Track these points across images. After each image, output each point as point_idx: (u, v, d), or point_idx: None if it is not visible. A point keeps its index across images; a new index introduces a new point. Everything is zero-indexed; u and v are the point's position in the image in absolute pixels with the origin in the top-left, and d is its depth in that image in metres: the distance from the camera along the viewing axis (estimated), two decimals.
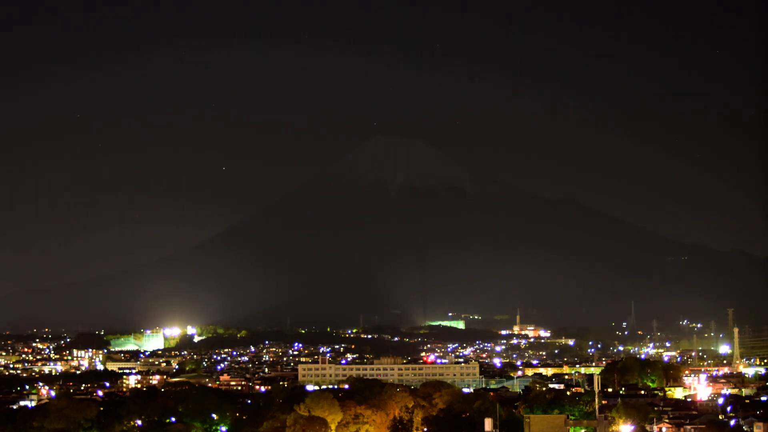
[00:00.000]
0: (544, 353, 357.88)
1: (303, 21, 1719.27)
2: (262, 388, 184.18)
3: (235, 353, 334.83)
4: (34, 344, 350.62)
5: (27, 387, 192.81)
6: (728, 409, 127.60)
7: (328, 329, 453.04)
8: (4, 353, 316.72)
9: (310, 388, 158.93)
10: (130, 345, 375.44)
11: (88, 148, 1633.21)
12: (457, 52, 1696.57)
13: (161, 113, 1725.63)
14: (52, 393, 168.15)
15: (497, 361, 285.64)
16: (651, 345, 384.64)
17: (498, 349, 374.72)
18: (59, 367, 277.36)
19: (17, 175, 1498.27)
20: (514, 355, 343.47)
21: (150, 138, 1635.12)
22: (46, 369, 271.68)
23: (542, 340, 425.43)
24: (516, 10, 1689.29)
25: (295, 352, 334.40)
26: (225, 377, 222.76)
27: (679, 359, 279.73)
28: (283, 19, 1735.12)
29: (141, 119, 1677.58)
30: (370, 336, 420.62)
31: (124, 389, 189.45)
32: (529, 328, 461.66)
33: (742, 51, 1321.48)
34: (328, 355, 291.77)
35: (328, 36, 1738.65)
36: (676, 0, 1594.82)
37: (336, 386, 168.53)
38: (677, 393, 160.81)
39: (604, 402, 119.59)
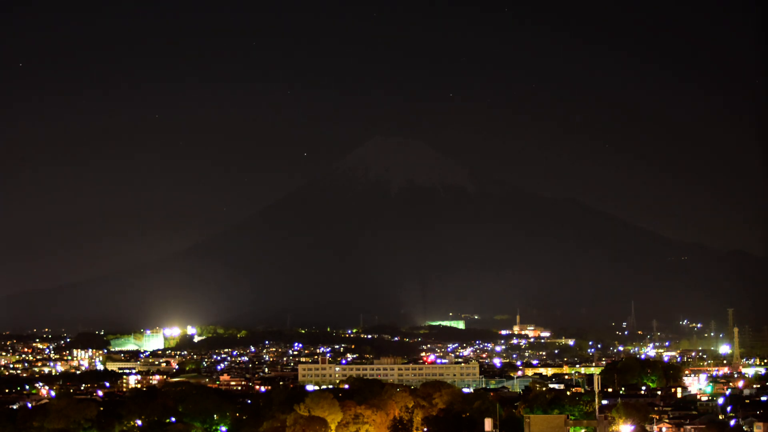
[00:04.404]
0: (544, 353, 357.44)
1: (304, 22, 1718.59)
2: (262, 388, 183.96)
3: (235, 353, 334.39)
4: (34, 344, 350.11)
5: (27, 387, 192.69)
6: (728, 409, 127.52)
7: (328, 329, 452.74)
8: (4, 353, 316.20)
9: (310, 388, 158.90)
10: (130, 345, 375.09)
11: (89, 150, 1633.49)
12: (457, 52, 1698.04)
13: (165, 107, 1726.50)
14: (52, 393, 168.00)
15: (497, 361, 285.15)
16: (651, 345, 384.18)
17: (498, 349, 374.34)
18: (59, 367, 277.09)
19: (17, 176, 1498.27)
20: (514, 355, 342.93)
21: (151, 136, 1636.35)
22: (46, 369, 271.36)
23: (542, 340, 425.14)
24: (516, 9, 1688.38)
25: (295, 352, 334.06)
26: (225, 377, 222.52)
27: (679, 359, 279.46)
28: (284, 21, 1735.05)
29: (143, 117, 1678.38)
30: (370, 336, 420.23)
31: (124, 389, 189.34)
32: (529, 328, 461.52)
33: (742, 50, 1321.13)
34: (328, 355, 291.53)
35: (329, 37, 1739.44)
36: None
37: (336, 386, 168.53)
38: (677, 393, 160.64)
39: (604, 402, 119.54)
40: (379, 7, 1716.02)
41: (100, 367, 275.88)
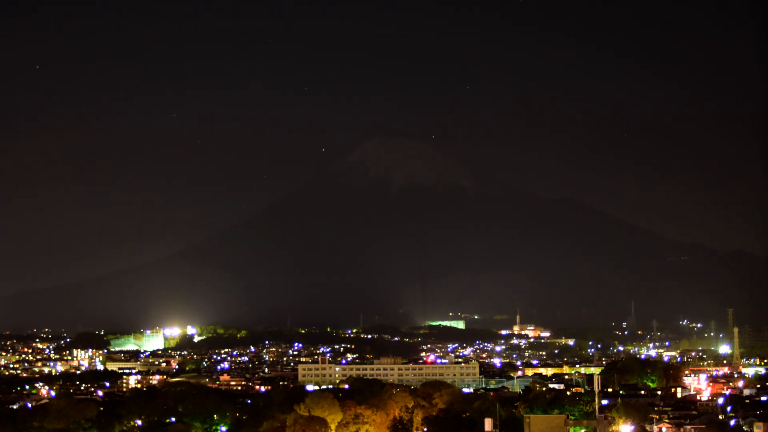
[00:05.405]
0: (544, 353, 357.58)
1: (304, 22, 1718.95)
2: (262, 388, 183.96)
3: (235, 353, 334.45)
4: (34, 344, 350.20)
5: (27, 387, 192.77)
6: (728, 409, 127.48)
7: (328, 329, 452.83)
8: (4, 353, 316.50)
9: (310, 388, 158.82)
10: (130, 345, 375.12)
11: (88, 151, 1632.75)
12: (457, 51, 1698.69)
13: (168, 105, 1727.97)
14: (52, 393, 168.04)
15: (497, 361, 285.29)
16: (651, 345, 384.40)
17: (498, 349, 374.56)
18: (59, 367, 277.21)
19: (18, 176, 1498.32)
20: (514, 355, 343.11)
21: (151, 138, 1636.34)
22: (46, 369, 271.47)
23: (542, 340, 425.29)
24: (517, 10, 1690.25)
25: (295, 352, 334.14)
26: (225, 377, 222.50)
27: (679, 359, 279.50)
28: (283, 22, 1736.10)
29: (143, 119, 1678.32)
30: (370, 336, 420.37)
31: (124, 389, 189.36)
32: (529, 328, 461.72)
33: (741, 51, 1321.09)
34: (328, 355, 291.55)
35: (328, 38, 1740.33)
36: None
37: (336, 386, 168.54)
38: (677, 393, 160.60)
39: (604, 402, 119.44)
40: (380, 8, 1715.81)
41: (100, 367, 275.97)
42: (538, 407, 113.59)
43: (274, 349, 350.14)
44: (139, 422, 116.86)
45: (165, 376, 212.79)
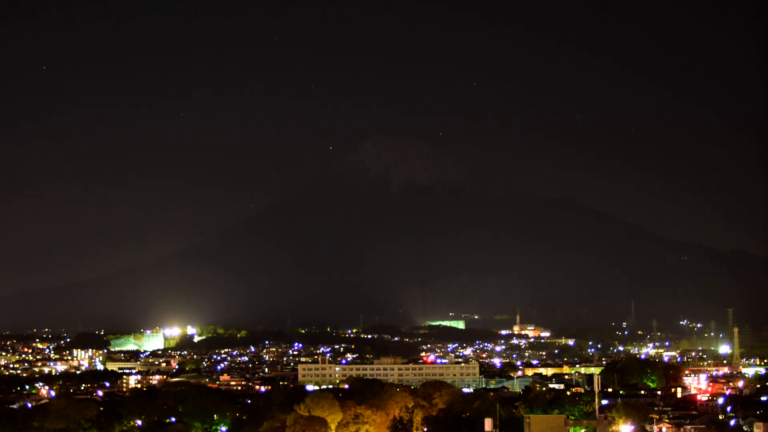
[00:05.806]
0: (544, 353, 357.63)
1: (305, 21, 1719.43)
2: (262, 388, 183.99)
3: (235, 353, 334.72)
4: (34, 344, 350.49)
5: (27, 387, 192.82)
6: (728, 409, 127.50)
7: (328, 329, 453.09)
8: (4, 353, 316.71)
9: (310, 388, 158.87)
10: (130, 345, 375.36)
11: (89, 153, 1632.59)
12: (457, 51, 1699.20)
13: (168, 106, 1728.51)
14: (52, 393, 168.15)
15: (497, 361, 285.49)
16: (651, 345, 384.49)
17: (498, 349, 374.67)
18: (59, 367, 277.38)
19: (18, 176, 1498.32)
20: (514, 355, 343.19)
21: (151, 138, 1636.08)
22: (46, 369, 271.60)
23: (542, 340, 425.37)
24: (519, 12, 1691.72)
25: (295, 352, 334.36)
26: (225, 377, 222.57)
27: (679, 359, 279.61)
28: (284, 21, 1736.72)
29: (143, 119, 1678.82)
30: (370, 336, 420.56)
31: (124, 389, 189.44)
32: (529, 328, 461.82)
33: (741, 51, 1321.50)
34: (328, 355, 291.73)
35: (329, 37, 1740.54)
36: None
37: (336, 386, 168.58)
38: (677, 393, 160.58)
39: (604, 402, 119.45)
40: (380, 8, 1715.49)
41: (100, 367, 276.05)
42: (538, 407, 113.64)
43: (274, 349, 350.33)
44: (139, 422, 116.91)
45: (165, 376, 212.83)
